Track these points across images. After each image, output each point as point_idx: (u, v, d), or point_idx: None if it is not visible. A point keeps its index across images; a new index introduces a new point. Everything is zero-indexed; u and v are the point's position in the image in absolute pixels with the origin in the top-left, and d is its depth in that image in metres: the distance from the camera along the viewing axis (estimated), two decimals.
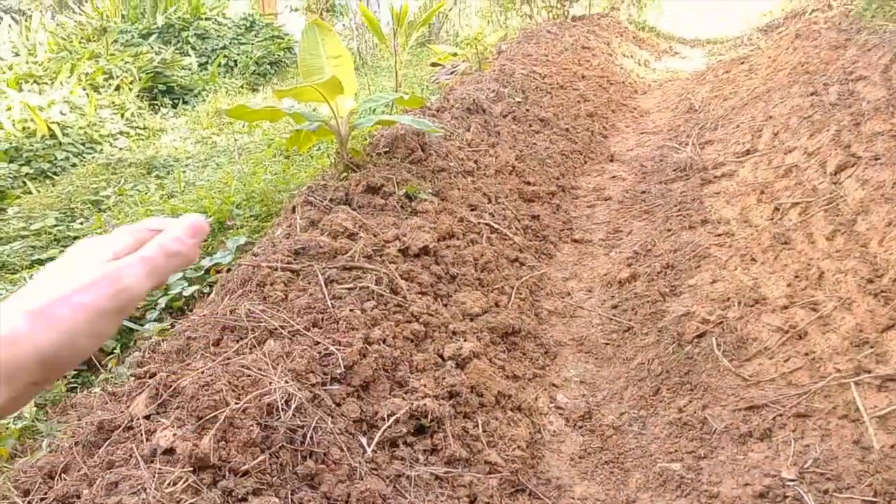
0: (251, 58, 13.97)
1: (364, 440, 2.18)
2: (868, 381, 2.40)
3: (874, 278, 2.78)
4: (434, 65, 10.48)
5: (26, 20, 13.46)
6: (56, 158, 8.37)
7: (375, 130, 4.63)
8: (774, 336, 2.85)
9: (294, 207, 3.53)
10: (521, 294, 3.52)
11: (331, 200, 3.53)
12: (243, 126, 9.04)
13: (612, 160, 5.96)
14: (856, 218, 3.19)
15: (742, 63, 7.93)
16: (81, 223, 5.90)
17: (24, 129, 8.63)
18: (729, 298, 3.17)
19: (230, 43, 14.39)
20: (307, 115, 3.90)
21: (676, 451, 2.49)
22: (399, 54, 6.33)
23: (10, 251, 5.21)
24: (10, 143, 8.21)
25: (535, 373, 3.04)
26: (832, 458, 2.22)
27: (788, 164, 4.13)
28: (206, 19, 14.60)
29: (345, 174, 3.91)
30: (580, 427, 2.76)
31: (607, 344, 3.30)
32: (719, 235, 3.85)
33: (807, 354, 2.69)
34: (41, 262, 4.92)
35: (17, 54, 11.67)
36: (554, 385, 3.01)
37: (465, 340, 2.80)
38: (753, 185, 4.17)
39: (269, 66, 14.24)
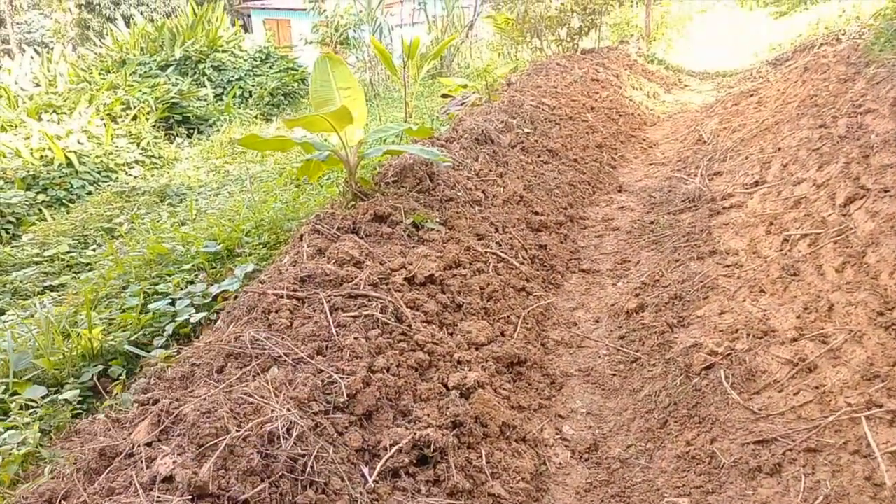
0: (266, 89, 14.24)
1: (366, 470, 2.15)
2: (879, 416, 2.35)
3: (885, 311, 2.75)
4: (444, 96, 10.61)
5: (48, 52, 13.83)
6: (72, 186, 8.51)
7: (384, 160, 4.67)
8: (784, 369, 2.81)
9: (302, 235, 3.56)
10: (527, 324, 3.50)
11: (338, 229, 3.55)
12: (256, 155, 9.17)
13: (620, 190, 5.98)
14: (866, 250, 3.16)
15: (751, 95, 7.96)
16: (94, 250, 5.97)
17: (41, 157, 8.81)
18: (737, 330, 3.13)
19: (245, 74, 14.71)
20: (317, 145, 3.95)
21: (684, 485, 2.45)
22: (410, 86, 6.42)
23: (24, 277, 5.27)
24: (28, 171, 8.38)
25: (540, 403, 3.01)
26: (843, 494, 2.16)
27: (797, 195, 4.12)
28: (223, 52, 14.95)
29: (353, 203, 3.94)
30: (586, 459, 2.72)
31: (614, 375, 3.27)
32: (728, 266, 3.82)
33: (817, 388, 2.64)
34: (53, 289, 4.97)
35: (37, 85, 11.97)
36: (560, 416, 2.98)
37: (469, 370, 2.78)
38: (762, 217, 4.16)
39: (283, 97, 14.52)
